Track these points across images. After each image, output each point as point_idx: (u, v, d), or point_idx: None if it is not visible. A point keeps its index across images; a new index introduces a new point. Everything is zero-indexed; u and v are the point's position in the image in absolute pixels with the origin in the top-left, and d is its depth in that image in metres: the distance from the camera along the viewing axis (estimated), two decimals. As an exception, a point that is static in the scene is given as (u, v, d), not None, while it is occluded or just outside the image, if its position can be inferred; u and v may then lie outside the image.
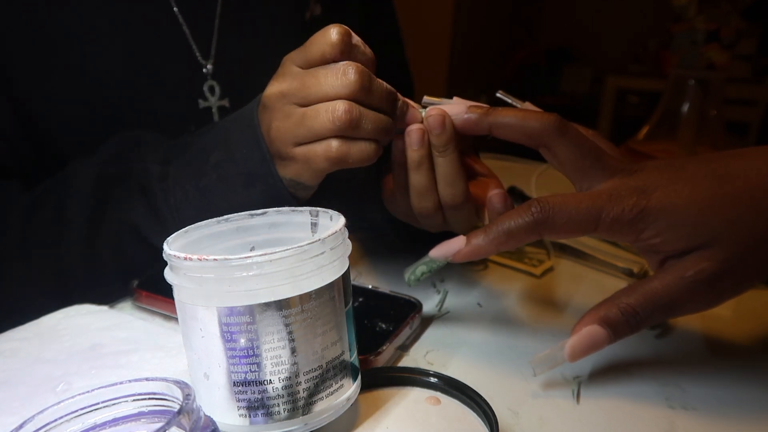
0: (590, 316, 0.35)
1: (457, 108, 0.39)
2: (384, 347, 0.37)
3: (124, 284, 0.46)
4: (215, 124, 0.45)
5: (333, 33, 0.37)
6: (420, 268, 0.38)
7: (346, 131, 0.36)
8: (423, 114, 0.40)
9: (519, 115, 0.37)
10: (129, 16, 0.52)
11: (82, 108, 0.50)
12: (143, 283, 0.44)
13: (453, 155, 0.40)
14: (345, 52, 0.37)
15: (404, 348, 0.40)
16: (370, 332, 0.39)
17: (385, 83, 0.38)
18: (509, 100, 0.44)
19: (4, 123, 0.48)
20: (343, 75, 0.36)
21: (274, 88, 0.39)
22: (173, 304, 0.28)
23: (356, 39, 0.38)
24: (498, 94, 0.44)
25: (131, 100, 0.52)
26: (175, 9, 0.54)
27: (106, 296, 0.46)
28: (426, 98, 0.41)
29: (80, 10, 0.49)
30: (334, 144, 0.37)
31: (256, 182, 0.41)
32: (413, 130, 0.40)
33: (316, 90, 0.37)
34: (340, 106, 0.36)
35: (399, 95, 0.39)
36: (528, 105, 0.44)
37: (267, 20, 0.59)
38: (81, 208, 0.45)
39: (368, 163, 0.38)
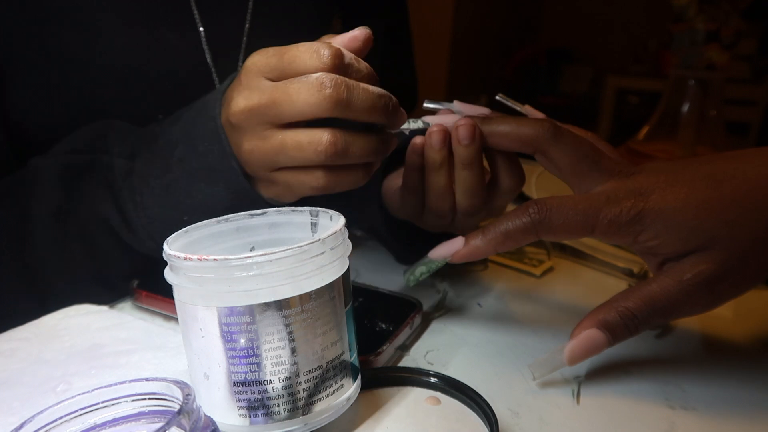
0: (589, 320, 0.35)
1: (450, 118, 0.39)
2: (384, 347, 0.37)
3: (104, 284, 0.45)
4: (182, 112, 0.42)
5: (324, 54, 0.33)
6: (419, 269, 0.38)
7: (333, 162, 0.35)
8: (414, 125, 0.40)
9: (513, 122, 0.37)
10: (157, 56, 0.50)
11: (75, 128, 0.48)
12: (143, 283, 0.44)
13: (479, 168, 0.39)
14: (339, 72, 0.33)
15: (404, 348, 0.40)
16: (370, 332, 0.39)
17: (370, 88, 0.34)
18: (509, 103, 0.44)
19: None
20: (319, 90, 0.32)
21: (240, 104, 0.35)
22: (173, 304, 0.28)
23: (348, 57, 0.34)
24: (498, 98, 0.44)
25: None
26: (204, 45, 0.52)
27: (86, 296, 0.44)
28: (426, 102, 0.41)
29: (104, 46, 0.47)
30: (319, 175, 0.35)
31: (218, 179, 0.39)
32: (435, 131, 0.38)
33: (290, 108, 0.33)
34: (325, 137, 0.34)
35: (392, 97, 0.36)
36: (528, 108, 0.44)
37: None
38: (47, 202, 0.42)
39: (357, 186, 0.37)
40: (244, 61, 0.54)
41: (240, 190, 0.39)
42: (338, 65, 0.33)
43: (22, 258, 0.44)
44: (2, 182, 0.45)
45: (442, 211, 0.42)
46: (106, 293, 0.46)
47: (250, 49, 0.54)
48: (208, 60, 0.53)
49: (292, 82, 0.33)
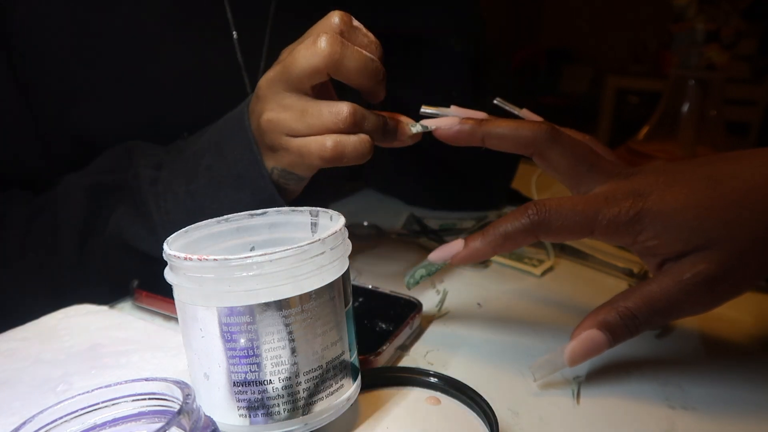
0: (589, 321, 0.35)
1: (449, 120, 0.39)
2: (384, 347, 0.37)
3: (110, 291, 0.46)
4: (208, 128, 0.45)
5: (333, 17, 0.36)
6: (419, 271, 0.39)
7: (348, 128, 0.36)
8: (414, 130, 0.40)
9: (511, 125, 0.37)
10: (192, 53, 0.52)
11: (137, 138, 0.50)
12: (143, 283, 0.44)
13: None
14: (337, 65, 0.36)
15: (404, 348, 0.40)
16: (370, 332, 0.39)
17: (363, 52, 0.37)
18: (507, 107, 0.44)
19: (21, 134, 0.48)
20: (315, 45, 0.35)
21: (264, 78, 0.39)
22: (173, 304, 0.28)
23: (356, 23, 0.38)
24: (495, 101, 0.44)
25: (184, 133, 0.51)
26: (236, 45, 0.54)
27: (99, 298, 0.46)
28: (423, 108, 0.41)
29: (144, 46, 0.50)
30: (330, 142, 0.36)
31: (246, 185, 0.41)
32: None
33: (295, 67, 0.36)
34: (345, 106, 0.36)
35: (388, 116, 0.39)
36: (525, 112, 0.44)
37: None
38: (73, 220, 0.45)
39: (363, 161, 0.38)
40: (266, 61, 0.56)
41: (267, 196, 0.40)
42: (343, 28, 0.37)
43: (50, 269, 0.46)
44: (43, 197, 0.48)
45: None
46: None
47: (272, 51, 0.56)
48: (239, 60, 0.55)
49: (299, 45, 0.36)
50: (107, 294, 0.46)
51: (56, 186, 0.48)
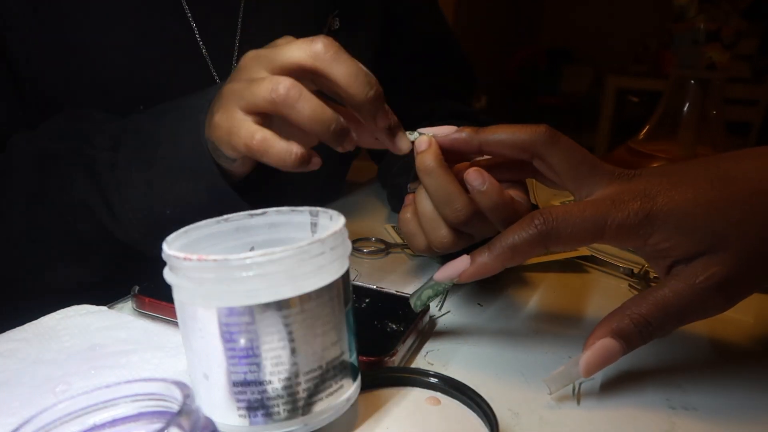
0: (602, 329, 0.34)
1: (446, 128, 0.39)
2: (398, 347, 0.37)
3: (83, 264, 0.47)
4: (166, 108, 0.44)
5: (317, 45, 0.36)
6: (425, 292, 0.38)
7: (279, 109, 0.36)
8: (411, 138, 0.39)
9: (509, 129, 0.37)
10: (151, 42, 0.52)
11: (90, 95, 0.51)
12: (145, 289, 0.44)
13: (440, 177, 0.38)
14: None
15: (414, 347, 0.40)
16: (382, 333, 0.39)
17: (318, 103, 0.36)
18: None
19: None
20: (273, 88, 0.35)
21: (225, 85, 0.39)
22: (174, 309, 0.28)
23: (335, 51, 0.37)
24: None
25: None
26: (197, 36, 0.54)
27: (66, 278, 0.47)
28: (420, 130, 0.41)
29: (103, 38, 0.50)
30: (258, 135, 0.36)
31: (199, 178, 0.41)
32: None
33: (250, 99, 0.36)
34: (284, 82, 0.35)
35: (391, 118, 0.38)
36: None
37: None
38: (22, 186, 0.45)
39: (287, 169, 0.37)
40: (239, 53, 0.56)
41: (221, 190, 0.41)
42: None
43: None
44: None
45: (445, 241, 0.41)
46: (87, 275, 0.49)
47: (245, 41, 0.56)
48: (204, 52, 0.55)
49: (263, 77, 0.36)
50: (67, 260, 0.47)
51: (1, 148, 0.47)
